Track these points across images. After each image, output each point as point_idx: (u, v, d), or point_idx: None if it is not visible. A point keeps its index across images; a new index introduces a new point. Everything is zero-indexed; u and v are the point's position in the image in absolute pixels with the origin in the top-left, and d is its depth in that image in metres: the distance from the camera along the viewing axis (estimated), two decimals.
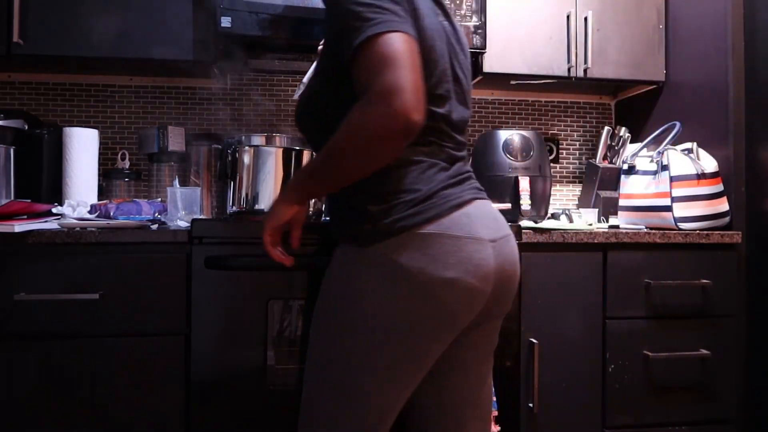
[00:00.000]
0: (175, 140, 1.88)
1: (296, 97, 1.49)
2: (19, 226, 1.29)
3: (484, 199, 1.03)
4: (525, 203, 1.81)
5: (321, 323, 1.01)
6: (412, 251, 0.91)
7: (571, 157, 2.33)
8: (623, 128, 2.07)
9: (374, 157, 0.88)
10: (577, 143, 2.33)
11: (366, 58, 0.86)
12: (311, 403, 1.01)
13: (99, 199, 1.76)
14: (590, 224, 1.76)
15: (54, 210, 1.51)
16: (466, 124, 1.07)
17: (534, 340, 1.55)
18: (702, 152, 1.76)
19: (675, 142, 1.78)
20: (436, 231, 0.92)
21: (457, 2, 1.81)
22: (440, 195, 0.95)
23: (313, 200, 1.55)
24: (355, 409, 0.96)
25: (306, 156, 1.57)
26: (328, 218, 1.56)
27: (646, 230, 1.68)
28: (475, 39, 1.83)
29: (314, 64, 1.29)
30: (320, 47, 1.32)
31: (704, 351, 1.64)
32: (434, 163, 0.98)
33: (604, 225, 1.90)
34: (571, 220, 1.92)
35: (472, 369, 1.07)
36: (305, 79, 1.46)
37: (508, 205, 1.77)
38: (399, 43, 0.86)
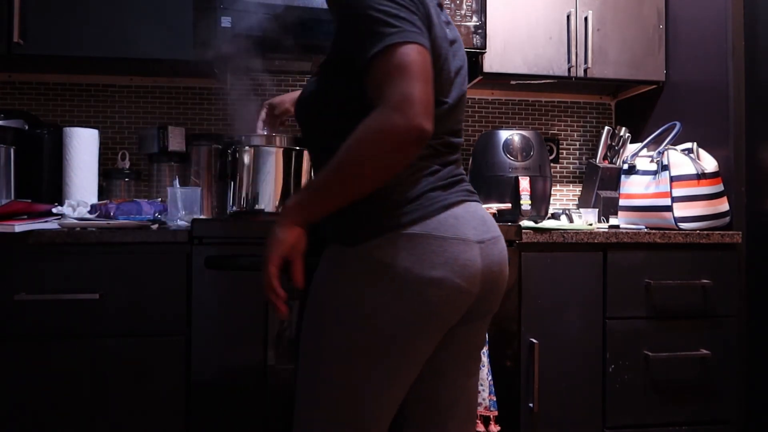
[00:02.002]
0: (175, 140, 1.88)
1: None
2: (20, 226, 1.29)
3: (475, 201, 1.05)
4: (525, 203, 1.81)
5: (313, 324, 1.01)
6: (398, 251, 0.93)
7: (571, 157, 2.33)
8: (623, 128, 2.07)
9: (389, 166, 0.88)
10: (577, 143, 2.33)
11: (382, 67, 0.87)
12: (308, 405, 1.01)
13: (99, 199, 1.76)
14: (590, 224, 1.76)
15: (54, 210, 1.51)
16: (460, 127, 1.09)
17: (534, 340, 1.55)
18: (702, 152, 1.76)
19: (675, 142, 1.78)
20: (422, 231, 0.93)
21: (457, 2, 1.81)
22: (427, 197, 0.97)
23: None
24: (352, 410, 0.97)
25: (306, 156, 1.57)
26: None
27: (646, 230, 1.68)
28: (475, 39, 1.83)
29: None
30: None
31: (704, 351, 1.64)
32: (424, 166, 0.99)
33: (604, 225, 1.90)
34: (571, 220, 1.92)
35: (454, 368, 1.06)
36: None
37: (508, 205, 1.77)
38: (415, 55, 0.87)
